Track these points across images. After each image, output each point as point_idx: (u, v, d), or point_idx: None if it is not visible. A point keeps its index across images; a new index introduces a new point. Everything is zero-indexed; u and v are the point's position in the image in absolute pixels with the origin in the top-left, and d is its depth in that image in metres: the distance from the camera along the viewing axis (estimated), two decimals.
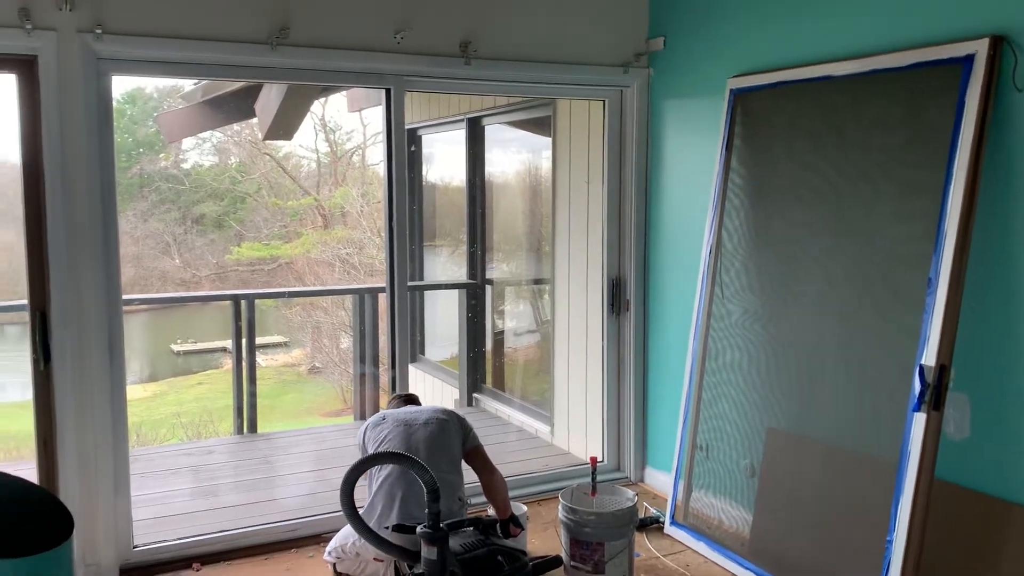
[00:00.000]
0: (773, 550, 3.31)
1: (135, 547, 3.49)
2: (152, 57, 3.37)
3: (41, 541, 1.36)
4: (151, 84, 13.59)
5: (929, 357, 2.75)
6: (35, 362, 3.26)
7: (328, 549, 3.37)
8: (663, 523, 3.84)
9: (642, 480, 4.42)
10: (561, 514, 3.26)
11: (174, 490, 4.55)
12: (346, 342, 11.39)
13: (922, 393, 2.76)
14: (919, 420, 2.77)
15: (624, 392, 4.43)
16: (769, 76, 3.55)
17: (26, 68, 3.18)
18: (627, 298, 4.37)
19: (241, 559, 3.56)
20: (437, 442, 3.21)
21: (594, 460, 3.42)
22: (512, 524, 3.23)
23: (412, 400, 3.57)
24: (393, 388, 3.95)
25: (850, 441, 3.11)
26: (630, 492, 3.37)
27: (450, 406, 3.93)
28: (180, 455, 5.41)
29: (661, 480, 4.26)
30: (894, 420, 2.89)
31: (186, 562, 3.49)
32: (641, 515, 3.80)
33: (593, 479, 3.36)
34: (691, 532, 3.68)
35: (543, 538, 3.71)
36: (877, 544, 2.86)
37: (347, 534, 3.27)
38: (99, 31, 3.18)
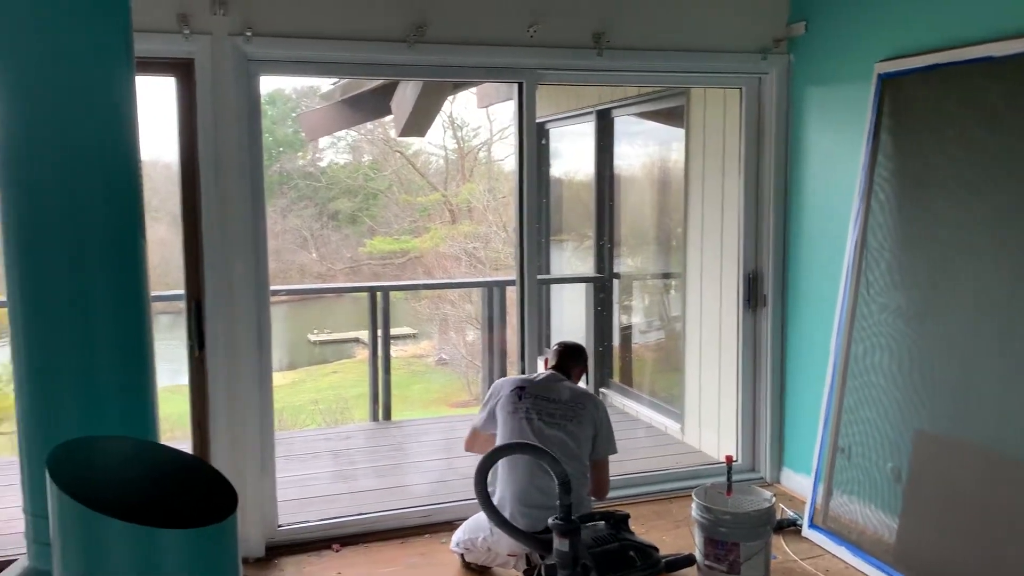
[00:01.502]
0: (921, 558, 3.13)
1: (279, 526, 3.65)
2: (297, 57, 3.51)
3: (209, 514, 1.44)
4: (290, 85, 14.21)
5: None
6: (190, 348, 3.45)
7: (455, 540, 3.39)
8: (801, 526, 3.71)
9: (778, 481, 4.28)
10: (695, 512, 3.20)
11: (314, 473, 4.74)
12: (472, 335, 11.57)
13: None
14: None
15: (760, 391, 4.30)
16: (921, 59, 3.35)
17: (183, 71, 3.37)
18: (764, 293, 4.23)
19: (378, 542, 3.66)
20: (567, 446, 3.19)
21: (730, 459, 3.34)
22: None
23: (567, 355, 3.47)
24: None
25: (1011, 445, 2.90)
26: (767, 493, 3.27)
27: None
28: (320, 439, 5.64)
29: (798, 482, 4.11)
30: None
31: (326, 543, 3.63)
32: (778, 517, 3.68)
33: (729, 478, 3.28)
34: (831, 536, 3.54)
35: (675, 536, 3.65)
36: None
37: (476, 527, 3.29)
38: (249, 33, 3.33)
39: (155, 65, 3.35)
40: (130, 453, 1.50)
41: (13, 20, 1.74)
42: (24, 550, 1.96)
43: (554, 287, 6.93)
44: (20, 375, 1.81)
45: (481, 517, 3.18)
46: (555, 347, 3.54)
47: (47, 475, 1.33)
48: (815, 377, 3.87)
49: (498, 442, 3.25)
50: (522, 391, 3.29)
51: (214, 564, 1.33)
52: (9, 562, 2.99)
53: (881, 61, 3.53)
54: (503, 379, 3.48)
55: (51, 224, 1.76)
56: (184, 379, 3.59)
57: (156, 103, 3.65)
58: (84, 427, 1.71)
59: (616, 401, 6.03)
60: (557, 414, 3.24)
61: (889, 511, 3.32)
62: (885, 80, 3.52)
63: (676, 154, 5.59)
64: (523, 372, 3.94)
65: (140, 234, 1.82)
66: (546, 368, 3.50)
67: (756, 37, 4.05)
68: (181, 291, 3.48)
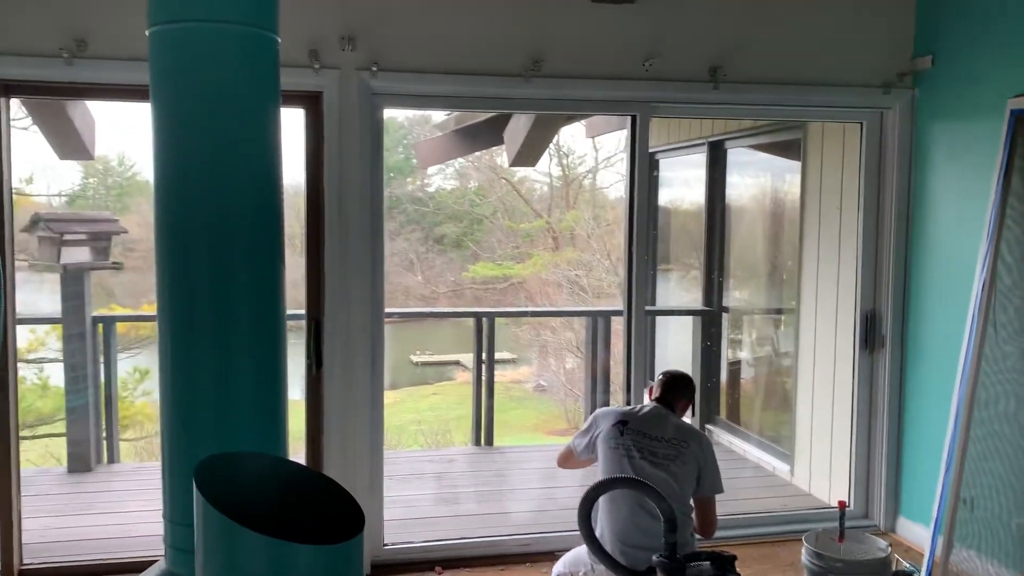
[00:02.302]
0: None
1: (385, 545, 3.73)
2: (419, 91, 3.64)
3: (332, 530, 1.51)
4: (402, 114, 14.63)
5: None
6: (308, 367, 3.59)
7: (555, 573, 3.33)
8: None
9: (893, 530, 4.11)
10: (805, 558, 3.09)
11: (418, 494, 4.83)
12: (571, 362, 11.54)
13: None
14: None
15: (876, 435, 4.14)
16: None
17: (312, 103, 3.54)
18: (882, 334, 4.09)
19: (479, 567, 3.69)
20: (669, 486, 3.12)
21: (843, 504, 3.22)
22: None
23: (673, 387, 3.30)
24: None
25: None
26: (882, 542, 3.13)
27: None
28: (424, 461, 5.74)
29: (915, 532, 3.93)
30: None
31: (429, 564, 3.69)
32: (894, 567, 3.52)
33: (841, 524, 3.16)
34: None
35: None
36: None
37: (576, 561, 3.24)
38: (375, 68, 3.47)
39: (286, 97, 3.49)
40: (266, 468, 1.59)
41: (174, 59, 1.89)
42: (152, 553, 2.08)
43: (659, 318, 6.86)
44: (165, 389, 1.94)
45: (581, 551, 3.15)
46: (660, 377, 3.40)
47: (194, 488, 1.42)
48: (936, 423, 3.72)
49: (599, 477, 3.22)
50: (624, 426, 3.19)
51: None
52: (138, 563, 3.18)
53: (1015, 97, 3.40)
54: (605, 408, 3.42)
55: (198, 249, 1.89)
56: (294, 395, 3.72)
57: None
58: (221, 441, 1.81)
59: (723, 439, 5.91)
60: (660, 452, 3.16)
61: (1015, 568, 3.15)
62: (1019, 116, 3.38)
63: (789, 185, 5.48)
64: (628, 402, 3.91)
65: (280, 260, 1.93)
66: (650, 398, 3.44)
67: (879, 71, 3.95)
68: (295, 311, 3.62)
